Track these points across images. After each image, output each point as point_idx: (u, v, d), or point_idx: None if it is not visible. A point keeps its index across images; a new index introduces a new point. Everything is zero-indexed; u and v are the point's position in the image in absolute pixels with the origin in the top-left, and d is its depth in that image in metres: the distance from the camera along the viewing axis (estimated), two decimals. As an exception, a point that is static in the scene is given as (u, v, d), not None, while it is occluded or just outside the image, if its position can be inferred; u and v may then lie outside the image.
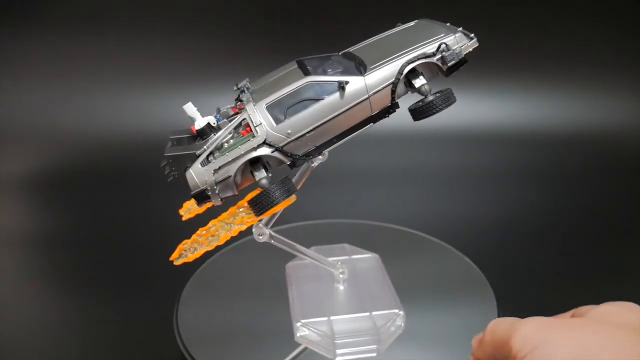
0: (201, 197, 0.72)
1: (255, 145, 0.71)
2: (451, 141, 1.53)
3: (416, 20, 0.83)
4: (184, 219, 0.86)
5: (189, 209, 0.86)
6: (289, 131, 0.71)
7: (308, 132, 0.72)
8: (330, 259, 0.90)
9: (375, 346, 0.80)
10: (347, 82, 0.71)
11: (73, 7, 1.57)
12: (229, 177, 0.71)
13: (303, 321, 0.82)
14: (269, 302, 0.91)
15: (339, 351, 0.79)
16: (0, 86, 1.58)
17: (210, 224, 0.77)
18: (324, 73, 0.73)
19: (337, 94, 0.71)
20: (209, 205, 0.80)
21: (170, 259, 0.77)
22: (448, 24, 0.78)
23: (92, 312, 1.03)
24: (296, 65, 0.76)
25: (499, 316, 0.87)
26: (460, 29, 0.76)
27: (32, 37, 1.57)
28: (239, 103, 0.75)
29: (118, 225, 1.29)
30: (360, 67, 0.74)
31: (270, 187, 0.71)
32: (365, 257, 0.96)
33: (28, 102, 1.58)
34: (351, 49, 0.80)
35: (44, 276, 1.15)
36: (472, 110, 1.56)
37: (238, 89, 0.75)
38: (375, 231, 1.13)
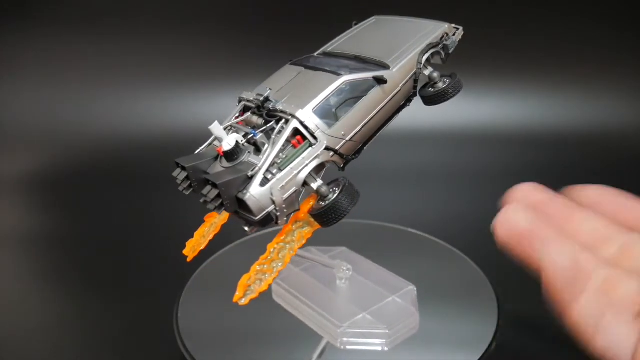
0: (266, 220, 0.66)
1: (319, 152, 0.67)
2: (451, 141, 1.53)
3: (374, 17, 0.85)
4: (189, 259, 0.79)
5: (193, 248, 0.79)
6: (343, 132, 0.69)
7: (359, 131, 0.71)
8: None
9: (415, 322, 0.83)
10: (383, 76, 0.71)
11: (73, 7, 1.57)
12: (296, 191, 0.66)
13: (346, 324, 0.81)
14: (268, 302, 0.91)
15: (391, 339, 0.81)
16: (0, 86, 1.58)
17: (268, 248, 0.71)
18: (352, 71, 0.71)
19: (376, 89, 0.71)
20: (212, 236, 0.77)
21: (235, 300, 0.70)
22: (406, 17, 0.81)
23: (92, 312, 1.03)
24: (303, 68, 0.74)
25: (499, 316, 0.87)
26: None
27: (32, 37, 1.57)
28: (248, 112, 0.70)
29: (118, 225, 1.29)
30: (369, 63, 0.74)
31: (338, 197, 0.67)
32: (338, 253, 0.96)
33: (28, 102, 1.58)
34: (328, 49, 0.80)
35: (44, 276, 1.15)
36: (472, 110, 1.56)
37: (266, 98, 0.68)
38: (375, 231, 1.13)
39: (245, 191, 0.63)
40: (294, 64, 0.76)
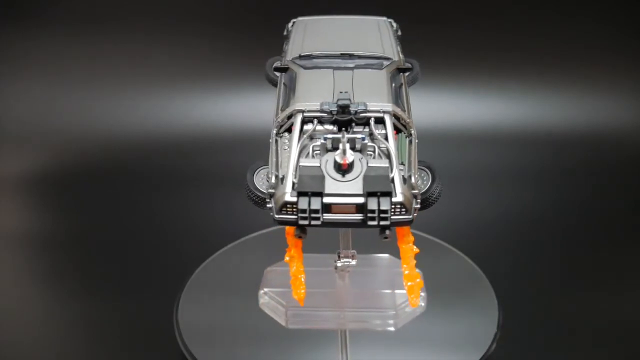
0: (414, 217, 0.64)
1: (416, 141, 0.67)
2: (451, 141, 1.53)
3: (298, 19, 0.88)
4: (302, 304, 0.75)
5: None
6: (410, 120, 0.70)
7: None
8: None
9: (422, 276, 0.85)
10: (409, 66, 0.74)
11: (73, 7, 1.57)
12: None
13: (394, 307, 0.83)
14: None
15: (425, 298, 0.84)
16: (0, 86, 1.58)
17: (402, 254, 0.73)
18: (369, 67, 0.72)
19: (402, 79, 0.73)
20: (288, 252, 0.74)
21: (416, 305, 0.74)
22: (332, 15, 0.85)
23: (91, 312, 1.03)
24: (331, 69, 0.72)
25: (499, 316, 0.87)
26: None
27: (32, 37, 1.57)
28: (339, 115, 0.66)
29: (118, 225, 1.29)
30: (365, 58, 0.74)
31: (436, 184, 0.67)
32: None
33: (28, 102, 1.58)
34: (303, 53, 0.77)
35: (44, 276, 1.15)
36: (472, 110, 1.56)
37: (349, 101, 0.66)
38: (374, 231, 1.13)
39: (395, 194, 0.60)
40: (307, 68, 0.74)
